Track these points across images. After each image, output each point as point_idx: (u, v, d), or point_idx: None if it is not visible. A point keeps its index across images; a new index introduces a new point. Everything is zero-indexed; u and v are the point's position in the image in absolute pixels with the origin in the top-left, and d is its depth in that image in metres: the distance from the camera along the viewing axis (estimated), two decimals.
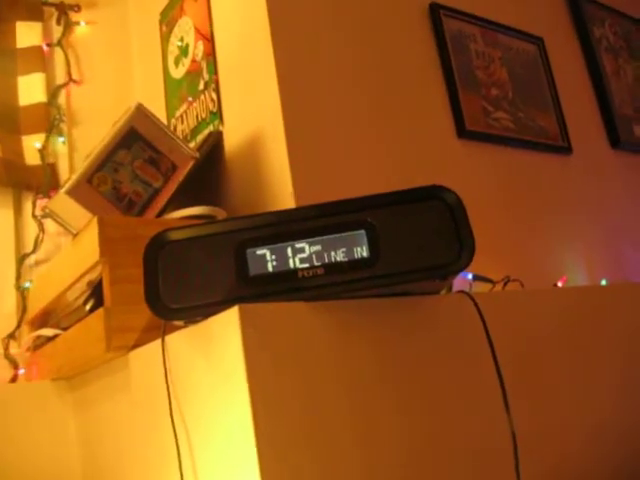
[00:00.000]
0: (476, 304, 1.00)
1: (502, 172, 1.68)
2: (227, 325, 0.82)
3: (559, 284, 1.61)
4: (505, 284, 1.44)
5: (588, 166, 1.92)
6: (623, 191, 2.00)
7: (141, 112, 1.28)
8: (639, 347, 1.28)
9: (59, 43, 1.89)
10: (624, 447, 1.18)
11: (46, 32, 1.89)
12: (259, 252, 0.87)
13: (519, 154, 1.74)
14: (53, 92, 1.84)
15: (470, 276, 1.41)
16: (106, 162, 1.23)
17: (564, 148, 1.86)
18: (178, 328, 0.94)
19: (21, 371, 1.54)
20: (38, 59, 1.84)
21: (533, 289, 1.37)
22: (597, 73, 2.11)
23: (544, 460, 1.04)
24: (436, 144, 1.56)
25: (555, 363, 1.13)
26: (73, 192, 1.19)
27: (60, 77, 1.87)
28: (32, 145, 1.74)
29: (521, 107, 1.80)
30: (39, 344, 1.47)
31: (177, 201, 1.36)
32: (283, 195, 1.26)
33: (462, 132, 1.61)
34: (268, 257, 0.87)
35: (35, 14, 1.88)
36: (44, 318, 1.48)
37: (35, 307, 1.49)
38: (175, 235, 0.89)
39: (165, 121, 1.73)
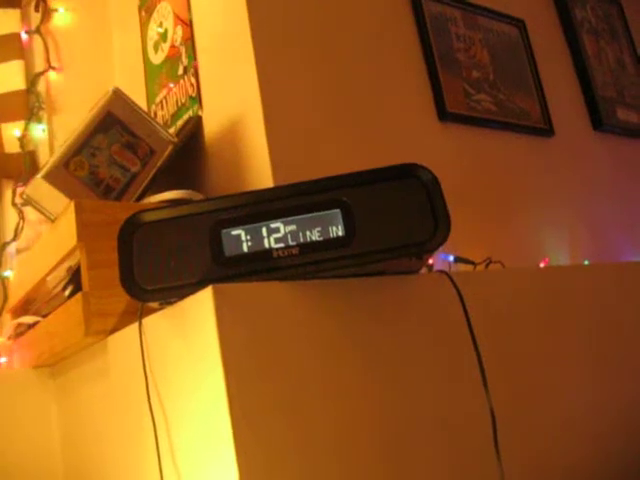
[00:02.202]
0: (454, 283, 1.00)
1: (484, 154, 1.68)
2: (201, 305, 0.82)
3: (541, 266, 1.62)
4: (487, 266, 1.44)
5: (570, 148, 1.92)
6: (605, 173, 2.00)
7: (118, 96, 1.27)
8: (621, 327, 1.29)
9: (37, 30, 1.87)
10: (608, 429, 1.19)
11: (24, 19, 1.87)
12: (234, 232, 0.87)
13: (501, 136, 1.74)
14: (32, 79, 1.82)
15: (451, 258, 1.42)
16: (83, 147, 1.22)
17: (546, 130, 1.86)
18: (155, 311, 0.94)
19: (3, 359, 1.53)
20: (16, 46, 1.82)
21: (513, 268, 1.37)
22: (579, 55, 2.11)
23: (523, 438, 1.05)
24: (417, 126, 1.55)
25: (535, 343, 1.14)
26: (50, 177, 1.18)
27: (39, 64, 1.86)
28: (11, 133, 1.73)
29: (502, 89, 1.80)
30: (20, 332, 1.46)
31: (157, 186, 1.35)
32: (262, 178, 1.26)
33: (443, 114, 1.61)
34: (243, 237, 0.87)
35: (13, 1, 1.86)
36: (25, 306, 1.48)
37: (16, 295, 1.49)
38: (149, 216, 0.88)
39: (145, 107, 1.71)
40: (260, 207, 0.87)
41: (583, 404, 1.16)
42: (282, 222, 0.87)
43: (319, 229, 0.87)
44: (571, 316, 1.21)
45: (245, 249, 0.86)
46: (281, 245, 0.86)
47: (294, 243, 0.86)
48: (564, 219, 1.78)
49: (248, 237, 0.86)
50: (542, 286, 1.19)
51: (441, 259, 1.40)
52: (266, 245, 0.86)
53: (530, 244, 1.67)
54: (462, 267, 1.39)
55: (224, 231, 0.87)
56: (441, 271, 1.04)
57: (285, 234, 0.87)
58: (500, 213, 1.64)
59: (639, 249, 1.94)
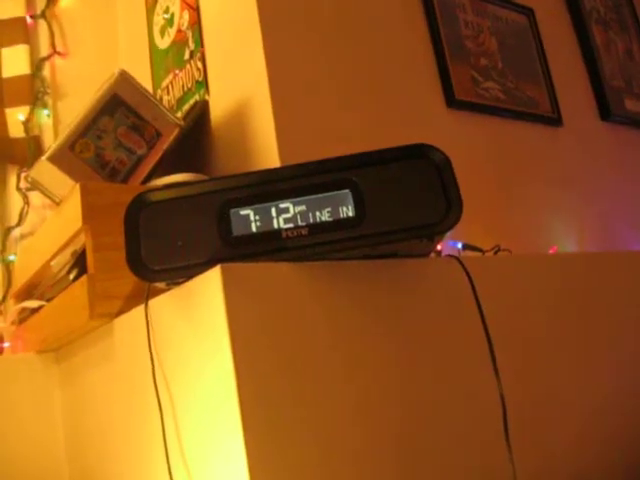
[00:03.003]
0: (465, 268, 0.99)
1: (492, 142, 1.66)
2: (209, 285, 0.81)
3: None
4: (495, 253, 1.43)
5: (578, 138, 1.91)
6: (613, 163, 1.99)
7: (124, 78, 1.25)
8: (630, 315, 1.28)
9: (43, 14, 1.86)
10: (621, 418, 1.18)
11: (29, 3, 1.86)
12: (242, 212, 0.86)
13: (509, 124, 1.72)
14: (37, 64, 1.81)
15: (460, 245, 1.40)
16: (89, 129, 1.21)
17: (554, 119, 1.85)
18: (162, 292, 0.92)
19: (6, 344, 1.52)
20: (21, 31, 1.81)
21: (522, 254, 1.36)
22: (588, 45, 2.09)
23: (533, 422, 1.04)
24: (425, 113, 1.54)
25: (544, 329, 1.13)
26: (55, 159, 1.17)
27: (44, 49, 1.84)
28: (16, 118, 1.72)
29: (511, 77, 1.78)
30: (24, 317, 1.45)
31: (163, 169, 1.34)
32: (269, 162, 1.25)
33: (451, 102, 1.59)
34: (252, 217, 0.85)
35: None
36: (29, 291, 1.47)
37: (20, 280, 1.47)
38: (157, 196, 0.87)
39: (151, 92, 1.70)
40: (269, 187, 0.86)
41: (594, 391, 1.15)
42: (291, 202, 0.86)
43: (329, 209, 0.85)
44: (579, 303, 1.20)
45: (254, 229, 0.85)
46: (290, 225, 0.85)
47: (304, 223, 0.85)
48: (572, 208, 1.77)
49: (257, 217, 0.85)
50: (551, 273, 1.18)
51: (449, 246, 1.38)
52: (275, 225, 0.85)
53: (538, 233, 1.65)
54: (471, 254, 1.37)
55: (233, 211, 0.85)
56: (451, 255, 1.02)
57: (294, 214, 0.85)
58: (508, 201, 1.63)
59: None
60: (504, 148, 1.69)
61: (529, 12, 1.94)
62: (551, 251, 1.61)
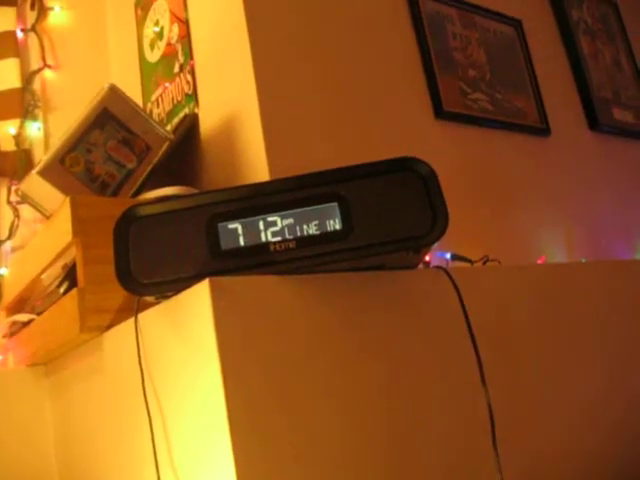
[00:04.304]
0: (452, 279, 1.00)
1: (480, 153, 1.68)
2: (198, 299, 0.82)
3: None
4: (484, 264, 1.44)
5: (566, 148, 1.92)
6: (601, 173, 2.00)
7: (114, 92, 1.26)
8: (617, 324, 1.29)
9: (33, 28, 1.87)
10: (606, 428, 1.19)
11: (20, 17, 1.87)
12: (230, 226, 0.86)
13: (497, 135, 1.74)
14: (28, 78, 1.82)
15: (448, 255, 1.41)
16: (79, 143, 1.22)
17: (542, 130, 1.86)
18: (152, 305, 0.93)
19: None
20: (12, 44, 1.82)
21: (510, 265, 1.37)
22: (575, 55, 2.11)
23: (521, 433, 1.04)
24: (413, 124, 1.55)
25: (532, 339, 1.13)
26: (45, 173, 1.18)
27: (35, 62, 1.85)
28: (6, 131, 1.72)
29: (499, 88, 1.79)
30: (15, 330, 1.45)
31: (153, 183, 1.34)
32: (259, 175, 1.25)
33: (439, 113, 1.61)
34: (240, 231, 0.86)
35: None
36: (20, 304, 1.47)
37: (11, 293, 1.48)
38: (146, 210, 0.88)
39: (141, 105, 1.71)
40: (257, 200, 0.87)
41: (581, 401, 1.16)
42: (279, 215, 0.86)
43: (316, 222, 0.86)
44: (568, 313, 1.21)
45: (242, 242, 0.86)
46: (278, 239, 0.86)
47: (291, 237, 0.86)
48: (560, 218, 1.78)
49: (245, 231, 0.86)
50: (539, 283, 1.19)
51: (438, 257, 1.39)
52: (263, 239, 0.86)
53: (527, 242, 1.67)
54: (459, 265, 1.38)
55: (221, 224, 0.86)
56: (439, 267, 1.03)
57: (282, 227, 0.86)
58: (496, 211, 1.64)
59: (634, 248, 1.94)
60: (492, 159, 1.70)
61: (517, 23, 1.96)
62: (539, 261, 1.63)
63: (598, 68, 2.19)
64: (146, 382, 0.91)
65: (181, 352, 0.86)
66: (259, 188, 0.88)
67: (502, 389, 1.00)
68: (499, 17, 1.91)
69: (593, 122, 2.06)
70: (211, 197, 0.88)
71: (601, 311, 1.27)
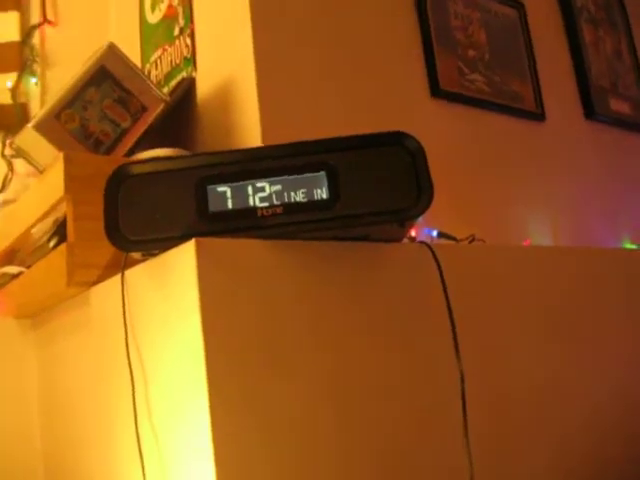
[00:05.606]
0: (434, 254, 1.02)
1: (474, 134, 1.69)
2: (183, 258, 0.83)
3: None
4: (470, 242, 1.46)
5: (560, 134, 1.93)
6: (594, 161, 2.02)
7: (112, 51, 1.27)
8: (596, 310, 1.31)
9: None
10: (578, 416, 1.22)
11: None
12: (219, 189, 0.88)
13: (492, 117, 1.75)
14: (27, 32, 1.81)
15: (434, 233, 1.43)
16: (75, 100, 1.22)
17: (537, 115, 1.87)
18: (139, 263, 0.95)
19: None
20: None
21: (495, 245, 1.39)
22: (576, 42, 2.11)
23: (491, 407, 1.07)
24: (409, 101, 1.56)
25: (510, 319, 1.16)
26: (40, 127, 1.18)
27: (35, 17, 1.84)
28: (4, 84, 1.72)
29: (497, 71, 1.80)
30: (3, 283, 1.47)
31: (147, 144, 1.35)
32: (252, 141, 1.26)
33: (436, 91, 1.61)
34: (228, 194, 0.88)
35: None
36: (9, 257, 1.48)
37: (1, 246, 1.49)
38: (137, 169, 0.89)
39: (140, 66, 1.71)
40: (247, 165, 0.89)
41: (557, 383, 1.19)
42: (268, 182, 0.88)
43: (304, 190, 0.88)
44: (548, 297, 1.23)
45: (230, 206, 0.87)
46: (265, 204, 0.87)
47: (278, 203, 0.87)
48: (549, 203, 1.80)
49: (233, 194, 0.87)
50: (522, 264, 1.21)
51: (425, 233, 1.41)
52: (251, 203, 0.87)
53: (514, 225, 1.68)
54: (444, 242, 1.40)
55: (210, 187, 0.88)
56: (422, 242, 1.05)
57: (270, 194, 0.88)
58: (486, 192, 1.66)
59: (620, 238, 1.96)
60: (485, 140, 1.71)
61: (520, 6, 1.96)
62: (524, 244, 1.65)
63: (598, 57, 2.20)
64: (129, 337, 0.93)
65: (165, 309, 0.88)
66: (249, 153, 0.90)
67: (475, 366, 1.03)
68: None
69: (589, 111, 2.06)
70: (202, 160, 0.89)
71: (583, 297, 1.29)
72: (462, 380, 0.94)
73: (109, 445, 1.06)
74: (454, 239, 1.42)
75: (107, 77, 1.24)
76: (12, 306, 1.40)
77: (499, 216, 1.66)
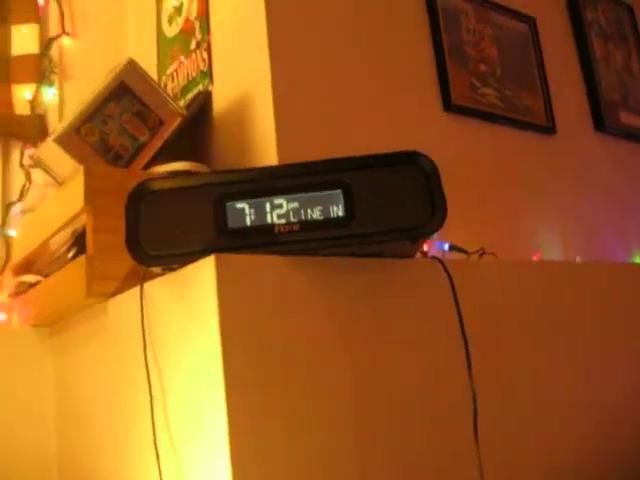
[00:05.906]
0: (446, 269, 1.03)
1: (486, 147, 1.71)
2: (203, 273, 0.86)
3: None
4: (480, 256, 1.47)
5: (571, 148, 1.95)
6: (603, 174, 2.03)
7: (132, 67, 1.30)
8: (610, 324, 1.32)
9: None
10: (592, 428, 1.23)
11: None
12: (238, 206, 0.90)
13: (503, 131, 1.76)
14: (46, 44, 1.84)
15: (446, 246, 1.45)
16: (95, 114, 1.25)
17: (548, 128, 1.89)
18: (157, 276, 0.97)
19: (2, 317, 1.56)
20: (32, 10, 1.84)
21: (506, 259, 1.41)
22: (586, 56, 2.13)
23: (504, 426, 1.08)
24: (422, 115, 1.58)
25: (523, 333, 1.17)
26: (61, 140, 1.21)
27: (53, 29, 1.88)
28: (22, 95, 1.75)
29: (508, 85, 1.82)
30: (21, 290, 1.49)
31: (164, 157, 1.37)
32: (267, 156, 1.29)
33: (448, 105, 1.64)
34: (247, 211, 0.90)
35: None
36: (27, 266, 1.51)
37: (19, 254, 1.51)
38: (158, 185, 0.92)
39: (156, 78, 1.74)
40: (265, 183, 0.91)
41: (568, 400, 1.20)
42: (285, 199, 0.90)
43: (320, 208, 0.90)
44: (559, 310, 1.24)
45: (248, 222, 0.89)
46: (283, 221, 0.90)
47: (295, 220, 0.90)
48: (559, 216, 1.81)
49: (252, 211, 0.90)
50: (533, 279, 1.23)
51: (436, 247, 1.43)
52: (268, 220, 0.90)
53: (524, 238, 1.70)
54: (456, 257, 1.42)
55: (229, 204, 0.90)
56: (434, 257, 1.07)
57: (287, 211, 0.90)
58: (497, 205, 1.67)
59: (631, 251, 1.97)
60: (497, 153, 1.73)
61: (531, 21, 1.98)
62: (534, 258, 1.66)
63: (608, 71, 2.21)
64: (147, 349, 0.95)
65: (183, 322, 0.90)
66: (268, 171, 0.92)
67: (488, 382, 1.04)
68: (513, 14, 1.93)
69: (599, 124, 2.08)
70: (221, 177, 0.92)
71: (594, 312, 1.30)
72: (474, 400, 0.95)
73: (125, 454, 1.08)
74: (465, 252, 1.44)
75: (127, 92, 1.27)
76: (30, 314, 1.43)
77: (510, 229, 1.68)
